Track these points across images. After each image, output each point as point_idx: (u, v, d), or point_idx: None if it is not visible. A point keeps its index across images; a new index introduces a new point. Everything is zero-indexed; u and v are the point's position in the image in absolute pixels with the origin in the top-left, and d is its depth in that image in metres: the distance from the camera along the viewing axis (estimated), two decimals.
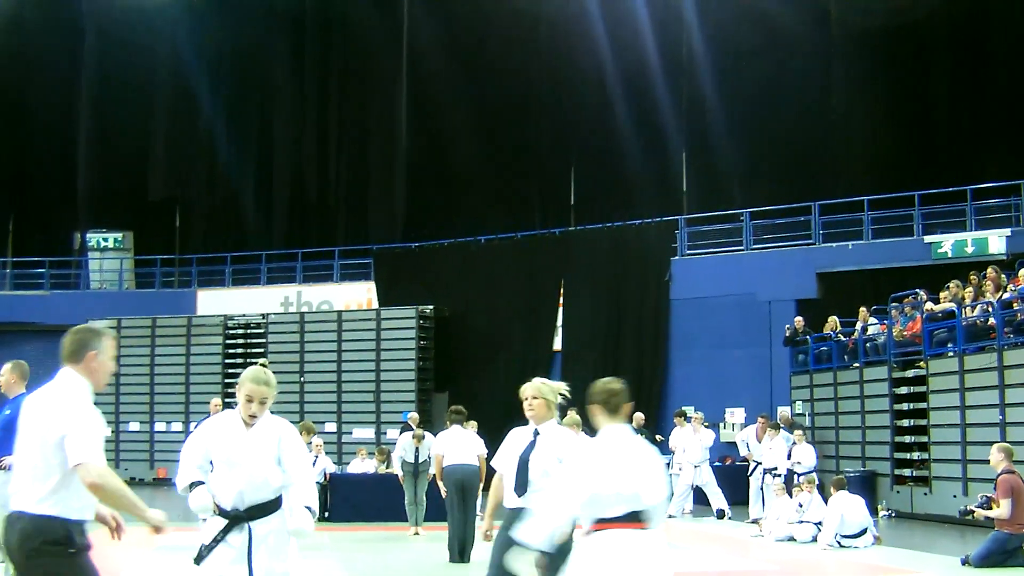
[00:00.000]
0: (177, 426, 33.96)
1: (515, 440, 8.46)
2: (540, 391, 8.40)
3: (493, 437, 20.32)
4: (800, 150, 33.16)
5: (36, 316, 37.22)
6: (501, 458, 8.53)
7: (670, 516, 22.84)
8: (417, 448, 19.62)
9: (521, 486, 8.21)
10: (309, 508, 7.00)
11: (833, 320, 26.34)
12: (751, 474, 22.65)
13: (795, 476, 20.28)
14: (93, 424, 5.95)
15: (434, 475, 16.66)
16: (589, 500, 6.08)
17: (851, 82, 32.80)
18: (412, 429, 20.47)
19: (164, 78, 41.56)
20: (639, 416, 25.51)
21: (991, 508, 14.75)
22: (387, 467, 22.26)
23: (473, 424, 19.05)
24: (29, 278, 38.96)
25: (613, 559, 5.97)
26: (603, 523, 6.05)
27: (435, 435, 17.55)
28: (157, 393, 35.52)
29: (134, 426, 35.49)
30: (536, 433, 8.36)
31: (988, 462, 15.59)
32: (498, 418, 24.69)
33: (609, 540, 6.02)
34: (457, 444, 15.66)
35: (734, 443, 25.57)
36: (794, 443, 21.56)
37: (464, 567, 14.77)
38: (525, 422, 8.59)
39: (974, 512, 15.13)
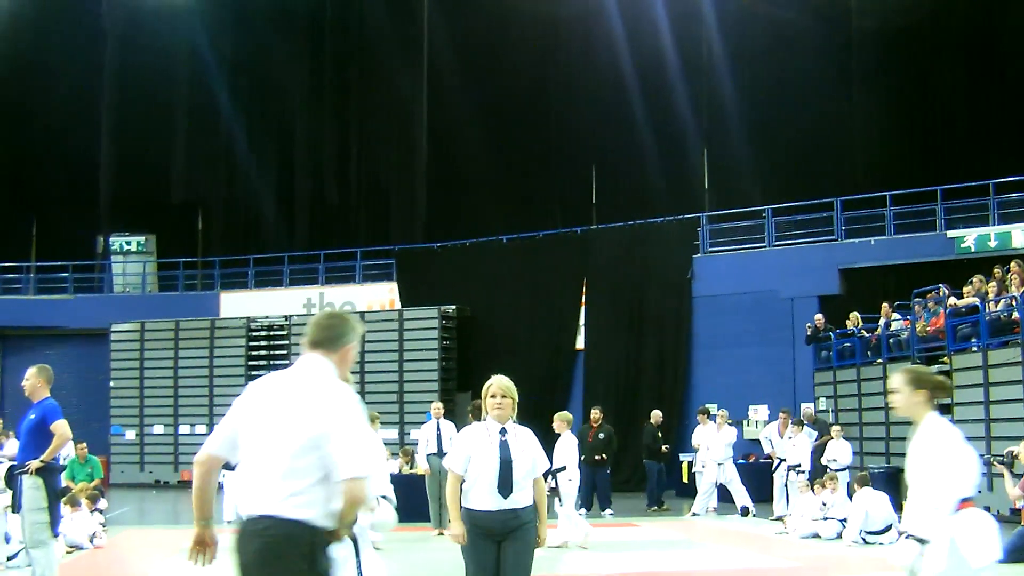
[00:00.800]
0: (201, 428, 34.02)
1: (473, 440, 8.23)
2: (510, 390, 8.31)
3: None
4: (820, 147, 33.14)
5: (60, 320, 37.42)
6: (457, 459, 8.22)
7: (694, 514, 22.84)
8: (439, 433, 19.71)
9: (506, 487, 7.99)
10: (387, 498, 6.86)
11: (855, 316, 26.26)
12: (775, 471, 22.60)
13: (825, 471, 20.22)
14: (361, 429, 5.46)
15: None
16: (965, 483, 6.65)
17: (870, 78, 32.73)
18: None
19: (184, 82, 41.70)
20: (656, 414, 25.51)
21: (1013, 465, 14.73)
22: (411, 467, 22.28)
23: None
24: (53, 282, 39.12)
25: (989, 530, 6.61)
26: (966, 503, 6.60)
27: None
28: (181, 396, 35.64)
29: (158, 429, 35.62)
30: (503, 432, 8.22)
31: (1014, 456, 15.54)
32: (520, 417, 24.72)
33: (977, 516, 6.59)
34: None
35: (758, 440, 25.54)
36: (828, 439, 21.70)
37: None
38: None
39: (994, 464, 15.10)
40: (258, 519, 5.16)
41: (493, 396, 8.26)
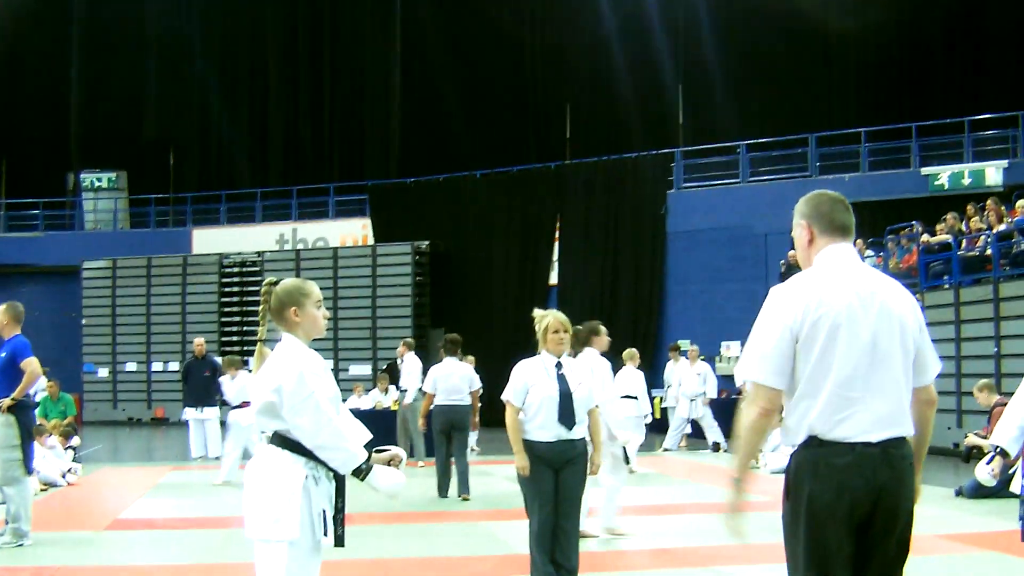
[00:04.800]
0: (174, 366, 33.99)
1: (532, 372, 8.40)
2: (568, 325, 8.52)
3: (490, 371, 20.49)
4: (796, 83, 33.07)
5: (30, 257, 37.22)
6: (517, 391, 8.36)
7: (665, 449, 22.96)
8: (398, 370, 20.06)
9: (568, 419, 8.24)
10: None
11: None
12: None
13: None
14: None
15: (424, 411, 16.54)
16: None
17: (846, 14, 32.57)
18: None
19: (156, 19, 41.23)
20: (633, 351, 25.53)
21: (968, 458, 14.78)
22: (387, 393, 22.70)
23: (471, 359, 19.06)
24: (23, 219, 38.86)
25: None
26: None
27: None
28: (153, 333, 35.56)
29: (131, 366, 35.55)
30: (559, 365, 8.42)
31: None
32: (495, 352, 24.70)
33: None
34: (449, 380, 15.61)
35: (731, 376, 25.60)
36: None
37: (452, 502, 14.82)
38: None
39: (974, 448, 15.14)
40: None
41: (555, 331, 8.43)
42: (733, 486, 4.59)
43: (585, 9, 35.80)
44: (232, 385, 18.05)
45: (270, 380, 5.35)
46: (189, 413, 21.44)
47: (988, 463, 7.04)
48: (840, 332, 4.44)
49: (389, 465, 5.50)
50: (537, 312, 8.72)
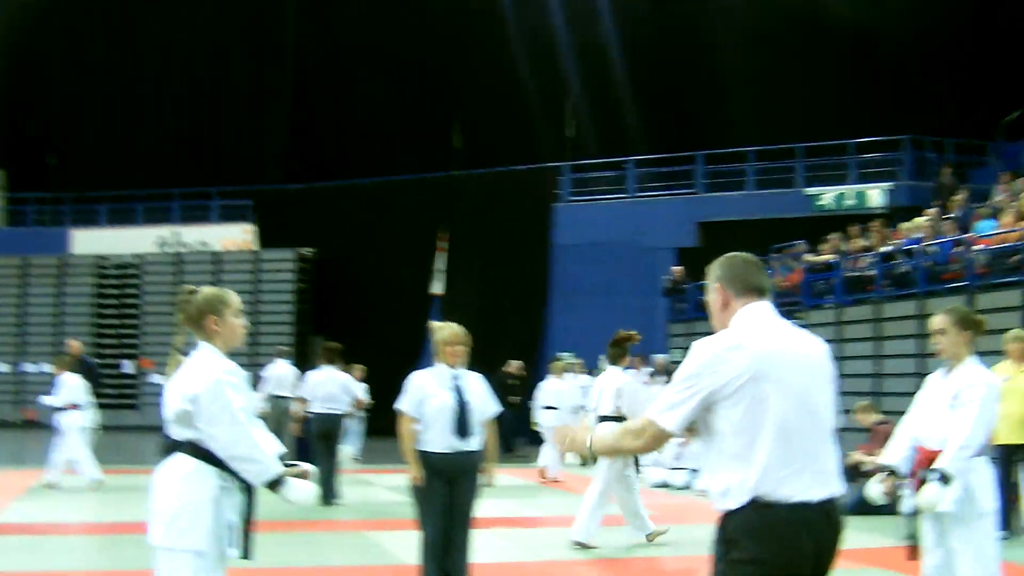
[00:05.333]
0: (47, 367, 33.24)
1: (427, 383, 8.40)
2: (466, 338, 8.50)
3: (371, 381, 20.32)
4: (687, 101, 33.24)
5: None
6: (411, 402, 8.37)
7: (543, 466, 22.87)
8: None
9: (463, 430, 8.27)
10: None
11: None
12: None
13: None
14: None
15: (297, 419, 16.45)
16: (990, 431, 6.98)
17: (739, 36, 32.84)
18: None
19: (42, 14, 40.32)
20: (518, 363, 25.54)
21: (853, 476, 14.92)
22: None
23: (362, 368, 18.91)
24: None
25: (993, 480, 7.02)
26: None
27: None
28: (27, 333, 34.82)
29: (2, 367, 34.75)
30: (456, 376, 8.43)
31: None
32: (378, 362, 24.50)
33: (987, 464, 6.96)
34: (324, 388, 15.46)
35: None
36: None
37: (328, 509, 14.65)
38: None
39: (854, 465, 15.27)
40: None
41: (451, 344, 8.44)
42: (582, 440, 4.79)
43: (483, 16, 35.63)
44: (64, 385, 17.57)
45: (185, 388, 5.28)
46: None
47: (880, 482, 7.07)
48: (770, 388, 4.33)
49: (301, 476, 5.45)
50: (435, 324, 8.73)
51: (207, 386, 5.21)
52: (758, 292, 4.64)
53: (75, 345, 21.76)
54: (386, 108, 36.93)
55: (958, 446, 6.65)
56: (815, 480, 4.31)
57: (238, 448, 5.18)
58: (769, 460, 4.27)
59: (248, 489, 5.31)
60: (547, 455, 20.63)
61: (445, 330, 8.49)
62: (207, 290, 5.63)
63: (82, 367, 20.72)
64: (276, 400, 19.69)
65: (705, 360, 4.40)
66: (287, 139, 38.36)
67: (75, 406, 17.11)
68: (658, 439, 4.50)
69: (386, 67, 37.14)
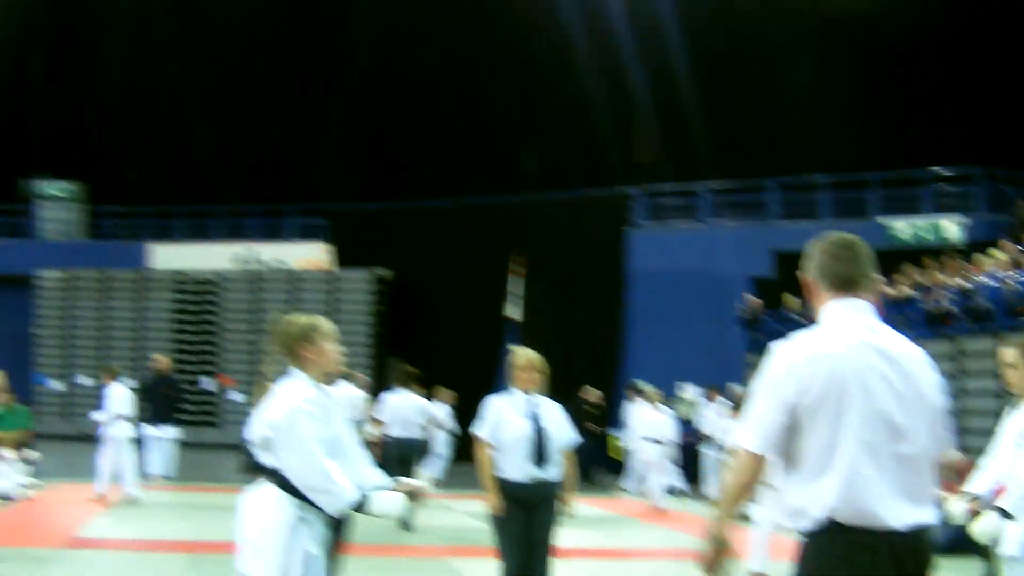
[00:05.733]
0: (129, 382, 33.57)
1: (505, 410, 8.35)
2: (538, 363, 8.44)
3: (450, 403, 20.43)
4: (757, 127, 33.15)
5: None
6: (490, 429, 8.33)
7: (624, 491, 22.89)
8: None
9: (540, 458, 8.16)
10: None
11: (792, 300, 26.40)
12: (702, 449, 22.77)
13: None
14: None
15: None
16: None
17: (815, 62, 32.74)
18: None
19: (120, 29, 40.90)
20: (591, 391, 25.60)
21: None
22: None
23: (452, 394, 18.91)
24: None
25: None
26: None
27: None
28: (109, 348, 35.19)
29: (86, 380, 35.09)
30: (532, 404, 8.35)
31: None
32: (451, 387, 24.65)
33: None
34: (401, 413, 15.50)
35: (688, 420, 25.51)
36: None
37: (408, 535, 14.67)
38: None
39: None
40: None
41: (522, 369, 8.39)
42: (711, 540, 4.13)
43: (557, 42, 35.58)
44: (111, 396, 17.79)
45: (267, 416, 5.44)
46: (147, 430, 21.20)
47: (965, 502, 6.94)
48: (852, 402, 3.98)
49: (410, 495, 5.59)
50: (514, 348, 8.70)
51: (284, 415, 5.34)
52: (851, 286, 4.30)
53: (163, 360, 22.01)
54: (461, 132, 37.09)
55: (1021, 485, 6.36)
56: (900, 504, 3.95)
57: (311, 479, 5.28)
58: (848, 478, 3.93)
59: (334, 523, 5.47)
60: (652, 485, 20.58)
61: (520, 356, 8.47)
62: (301, 318, 5.76)
63: (166, 383, 21.03)
64: None
65: (780, 370, 4.14)
66: (362, 159, 38.58)
67: (121, 417, 17.28)
68: (750, 464, 4.10)
69: (462, 89, 37.29)
